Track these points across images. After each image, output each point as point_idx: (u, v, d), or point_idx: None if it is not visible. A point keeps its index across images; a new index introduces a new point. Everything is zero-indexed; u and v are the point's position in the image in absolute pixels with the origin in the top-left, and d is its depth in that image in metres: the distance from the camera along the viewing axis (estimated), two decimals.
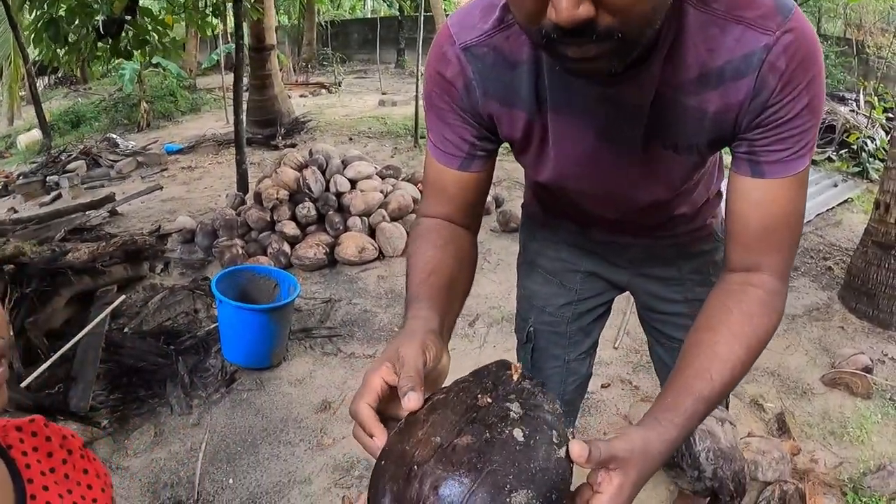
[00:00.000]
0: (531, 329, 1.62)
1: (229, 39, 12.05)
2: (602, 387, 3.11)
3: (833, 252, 5.04)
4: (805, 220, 5.23)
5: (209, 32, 8.29)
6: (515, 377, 0.77)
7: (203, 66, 15.41)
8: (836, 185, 6.99)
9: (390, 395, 0.81)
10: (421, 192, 1.25)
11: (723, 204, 1.38)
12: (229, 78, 11.85)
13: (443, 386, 0.83)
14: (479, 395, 0.74)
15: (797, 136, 0.96)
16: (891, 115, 8.26)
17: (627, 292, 1.62)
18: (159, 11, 6.06)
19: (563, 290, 1.55)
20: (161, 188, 6.32)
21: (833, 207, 6.17)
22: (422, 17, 8.57)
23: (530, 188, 1.49)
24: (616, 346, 3.48)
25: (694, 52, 0.94)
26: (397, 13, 18.96)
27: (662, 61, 0.94)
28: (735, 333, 0.97)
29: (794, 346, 3.62)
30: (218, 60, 12.31)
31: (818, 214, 5.90)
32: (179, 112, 11.62)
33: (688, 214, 1.38)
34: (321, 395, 3.01)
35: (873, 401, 3.12)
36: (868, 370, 3.28)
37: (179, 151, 8.36)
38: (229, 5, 6.04)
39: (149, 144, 8.67)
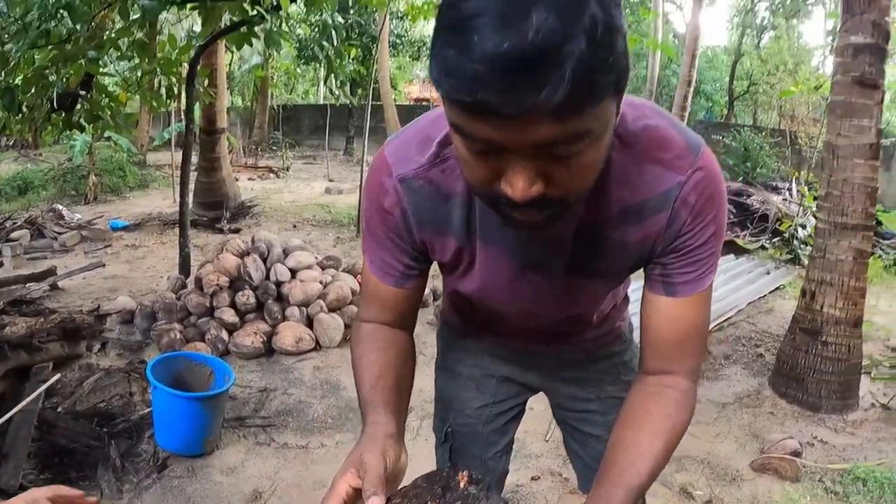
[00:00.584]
0: (449, 430, 1.72)
1: (182, 117, 12.21)
2: (532, 479, 3.24)
3: (764, 339, 5.35)
4: (737, 309, 5.58)
5: (161, 110, 8.43)
6: (462, 483, 0.89)
7: (154, 143, 15.49)
8: (768, 273, 7.39)
9: (355, 497, 0.94)
10: (360, 285, 1.37)
11: (630, 307, 1.61)
12: (179, 156, 11.96)
13: (401, 485, 0.97)
14: (429, 501, 0.87)
15: (704, 259, 1.11)
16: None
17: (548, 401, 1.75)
18: (114, 88, 6.16)
19: (479, 394, 1.66)
20: (104, 265, 6.34)
21: (765, 295, 6.53)
22: (369, 107, 8.87)
23: (449, 299, 1.58)
24: (546, 439, 3.62)
25: (616, 191, 1.06)
26: (337, 99, 19.39)
27: (586, 199, 1.03)
28: (655, 431, 1.12)
29: (724, 433, 3.84)
30: (169, 138, 12.42)
31: (750, 303, 6.24)
32: (128, 187, 11.62)
33: (598, 322, 1.50)
34: (252, 484, 3.08)
35: (802, 483, 3.32)
36: (797, 454, 3.50)
37: (125, 228, 8.38)
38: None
39: (95, 218, 8.65)
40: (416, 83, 36.59)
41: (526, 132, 0.77)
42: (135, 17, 4.79)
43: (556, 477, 3.28)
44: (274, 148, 20.38)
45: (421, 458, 3.37)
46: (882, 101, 4.20)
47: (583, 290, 1.28)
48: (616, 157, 1.03)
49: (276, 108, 23.00)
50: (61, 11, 4.25)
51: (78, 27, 4.40)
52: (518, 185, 0.83)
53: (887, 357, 5.08)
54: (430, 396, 3.98)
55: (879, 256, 8.74)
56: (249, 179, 13.62)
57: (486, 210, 1.04)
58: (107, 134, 9.04)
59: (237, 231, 8.34)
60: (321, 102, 28.28)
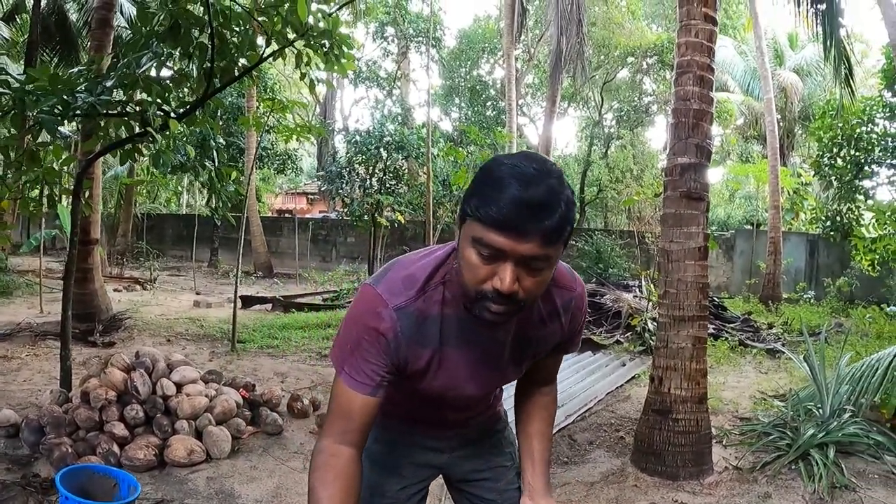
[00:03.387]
0: None
1: (45, 224, 12.01)
2: None
3: (624, 423, 5.87)
4: (597, 399, 6.17)
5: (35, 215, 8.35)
6: None
7: (21, 250, 15.01)
8: (624, 365, 8.02)
9: None
10: (327, 417, 1.70)
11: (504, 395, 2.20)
12: (46, 263, 11.61)
13: None
14: None
15: (579, 336, 1.88)
16: None
17: (441, 476, 2.14)
18: None
19: (399, 478, 2.01)
20: None
21: (622, 385, 7.15)
22: (244, 221, 9.11)
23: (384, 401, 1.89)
24: None
25: (538, 305, 1.70)
26: (214, 215, 19.45)
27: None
28: (545, 419, 1.99)
29: None
30: (37, 245, 12.14)
31: (609, 392, 6.85)
32: None
33: (492, 404, 2.07)
34: None
35: None
36: None
37: None
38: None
39: None
40: (279, 195, 36.95)
41: (524, 245, 1.36)
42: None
43: None
44: (140, 258, 20.05)
45: None
46: (707, 209, 4.93)
47: (509, 373, 1.83)
48: None
49: (139, 216, 22.69)
50: None
51: None
52: (506, 280, 1.40)
53: (736, 426, 5.72)
54: None
55: (726, 339, 9.65)
56: (116, 290, 13.40)
57: (451, 324, 1.64)
58: None
59: (111, 345, 8.26)
60: (183, 212, 28.12)
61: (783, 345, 8.56)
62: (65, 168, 5.74)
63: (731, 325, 10.82)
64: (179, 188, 26.86)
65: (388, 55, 27.63)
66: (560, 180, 1.40)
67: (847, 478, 4.45)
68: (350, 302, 9.48)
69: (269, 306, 12.83)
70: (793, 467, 4.72)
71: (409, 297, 1.62)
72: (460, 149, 15.13)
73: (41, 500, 3.82)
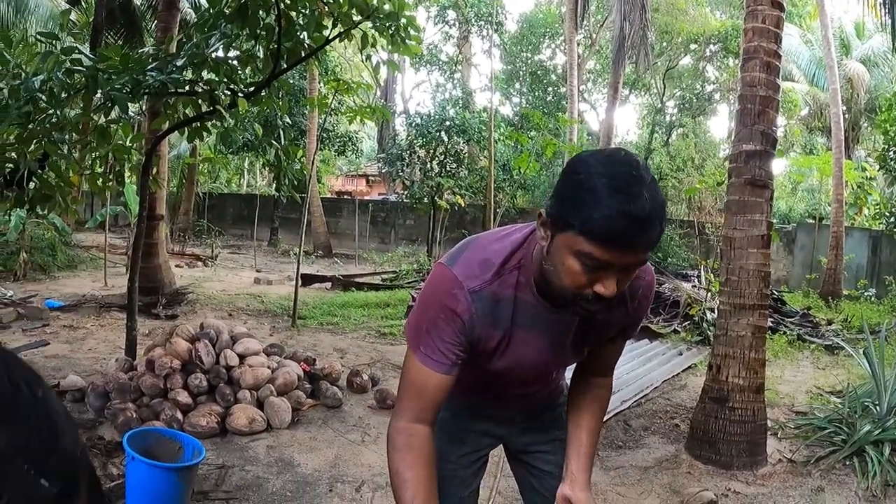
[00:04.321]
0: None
1: (111, 201, 12.32)
2: None
3: (679, 412, 5.84)
4: (653, 386, 6.18)
5: (108, 194, 8.57)
6: None
7: (87, 225, 15.47)
8: (681, 354, 7.96)
9: None
10: (400, 397, 1.75)
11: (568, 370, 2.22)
12: (110, 239, 11.95)
13: None
14: None
15: (640, 322, 1.89)
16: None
17: (501, 447, 2.21)
18: (66, 169, 6.29)
19: (462, 445, 2.08)
20: (47, 343, 6.46)
21: (679, 374, 7.09)
22: (307, 203, 9.26)
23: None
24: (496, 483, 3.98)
25: None
26: (279, 194, 19.79)
27: None
28: (596, 413, 1.96)
29: (648, 491, 4.27)
30: (102, 220, 12.50)
31: (665, 380, 6.79)
32: (56, 267, 11.62)
33: (554, 379, 2.11)
34: None
35: None
36: (713, 503, 3.94)
37: (60, 308, 8.46)
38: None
39: (28, 297, 8.72)
40: (339, 177, 37.29)
41: (630, 257, 1.41)
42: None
43: None
44: (201, 236, 20.45)
45: None
46: (771, 198, 4.86)
47: (571, 358, 1.87)
48: None
49: (201, 195, 23.11)
50: (40, 96, 4.56)
51: (57, 112, 4.68)
52: (612, 288, 1.44)
53: (791, 420, 5.65)
54: (379, 471, 4.36)
55: (784, 333, 9.49)
56: (178, 266, 13.70)
57: (524, 307, 1.68)
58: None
59: (174, 317, 8.49)
60: (244, 191, 28.58)
61: (843, 341, 8.38)
62: (133, 146, 5.89)
63: (790, 320, 10.63)
64: (241, 168, 27.29)
65: (448, 39, 27.63)
66: (654, 183, 1.41)
67: None
68: (418, 281, 9.61)
69: (328, 285, 13.00)
70: (847, 463, 4.66)
71: (484, 281, 1.65)
72: (523, 133, 15.09)
73: (105, 462, 3.97)
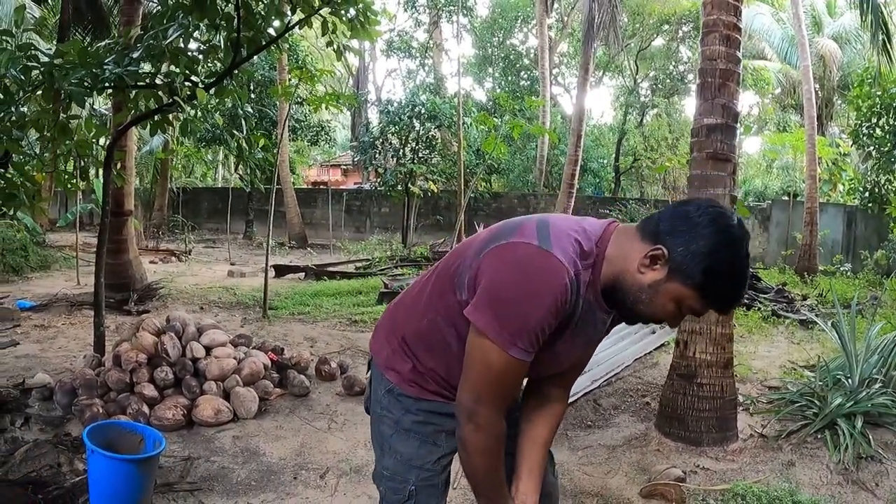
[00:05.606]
0: (412, 488, 1.96)
1: (82, 198, 12.23)
2: None
3: (650, 389, 5.85)
4: (624, 365, 6.20)
5: (73, 190, 8.51)
6: None
7: (58, 224, 15.32)
8: (653, 332, 7.98)
9: None
10: (485, 393, 1.69)
11: None
12: (82, 237, 11.83)
13: None
14: None
15: None
16: None
17: None
18: (31, 167, 6.21)
19: (435, 447, 1.96)
20: (17, 343, 6.39)
21: (650, 352, 7.12)
22: (273, 192, 9.17)
23: (427, 373, 1.92)
24: (454, 486, 3.95)
25: None
26: (246, 186, 19.70)
27: None
28: (552, 429, 1.99)
29: (615, 470, 4.28)
30: (73, 219, 12.38)
31: (637, 359, 6.81)
32: (29, 267, 11.51)
33: None
34: None
35: None
36: (681, 480, 3.94)
37: (32, 309, 8.37)
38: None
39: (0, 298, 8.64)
40: (313, 167, 37.14)
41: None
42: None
43: None
44: (175, 231, 20.31)
45: None
46: (734, 172, 4.86)
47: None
48: None
49: (175, 190, 22.95)
50: None
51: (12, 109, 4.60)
52: (679, 324, 1.69)
53: (764, 395, 5.68)
54: (345, 457, 4.33)
55: (758, 309, 9.55)
56: (151, 262, 13.64)
57: (586, 307, 1.68)
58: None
59: (145, 312, 8.42)
60: (219, 185, 28.41)
61: (817, 316, 8.44)
62: (97, 141, 5.81)
63: (765, 296, 10.69)
64: (214, 162, 27.09)
65: (419, 25, 27.53)
66: None
67: (874, 448, 4.35)
68: (391, 269, 9.48)
69: (301, 275, 12.96)
70: (819, 437, 4.65)
71: (578, 268, 1.63)
72: (496, 118, 15.08)
73: (71, 458, 3.93)
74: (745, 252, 1.60)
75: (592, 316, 1.71)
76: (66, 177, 5.97)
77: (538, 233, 1.61)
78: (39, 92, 4.96)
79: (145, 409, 4.71)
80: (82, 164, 6.01)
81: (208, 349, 5.32)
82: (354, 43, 6.32)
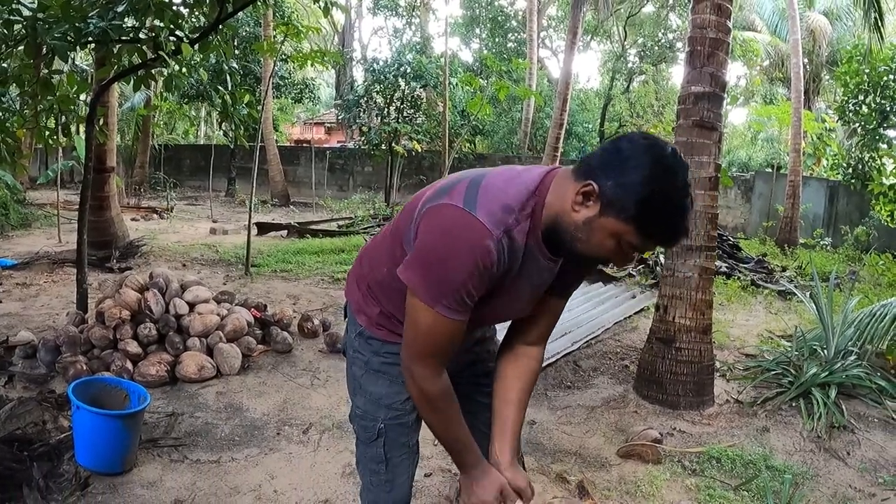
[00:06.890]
0: (381, 426, 2.01)
1: (63, 155, 12.08)
2: (425, 475, 3.59)
3: (629, 353, 5.95)
4: (604, 328, 6.27)
5: (54, 147, 8.39)
6: None
7: (39, 181, 15.14)
8: (634, 297, 8.09)
9: None
10: (418, 350, 1.73)
11: None
12: (63, 195, 11.74)
13: None
14: None
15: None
16: None
17: None
18: (12, 123, 6.14)
19: (403, 387, 1.92)
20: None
21: (631, 316, 7.22)
22: (258, 149, 9.09)
23: (393, 317, 1.95)
24: (435, 443, 4.00)
25: None
26: (230, 143, 19.54)
27: None
28: (526, 388, 1.98)
29: (594, 430, 4.36)
30: (54, 176, 12.25)
31: (616, 322, 6.90)
32: (10, 226, 11.42)
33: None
34: (172, 495, 3.31)
35: (664, 465, 3.87)
36: (658, 441, 4.03)
37: (13, 267, 8.30)
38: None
39: None
40: (297, 125, 36.82)
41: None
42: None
43: (447, 473, 3.66)
44: (157, 188, 20.15)
45: (325, 464, 3.76)
46: (720, 140, 4.88)
47: (532, 305, 1.89)
48: None
49: (157, 147, 22.72)
50: None
51: None
52: (631, 263, 1.82)
53: (740, 362, 5.78)
54: (327, 413, 4.38)
55: (738, 278, 9.66)
56: (133, 220, 13.58)
57: (530, 255, 1.68)
58: None
59: (128, 269, 8.39)
60: (201, 142, 28.13)
61: (795, 287, 8.54)
62: (79, 97, 5.73)
63: (745, 266, 10.81)
64: (197, 118, 26.77)
65: None
66: None
67: (846, 419, 4.47)
68: (373, 227, 9.52)
69: (284, 233, 12.96)
70: (793, 405, 4.77)
71: (506, 226, 1.61)
72: (482, 79, 14.99)
73: (56, 415, 3.94)
74: (683, 182, 1.54)
75: (535, 264, 1.71)
76: (48, 133, 5.86)
77: (466, 194, 1.61)
78: (21, 47, 4.90)
79: (129, 365, 4.72)
80: (64, 120, 5.92)
81: (191, 306, 5.32)
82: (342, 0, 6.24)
